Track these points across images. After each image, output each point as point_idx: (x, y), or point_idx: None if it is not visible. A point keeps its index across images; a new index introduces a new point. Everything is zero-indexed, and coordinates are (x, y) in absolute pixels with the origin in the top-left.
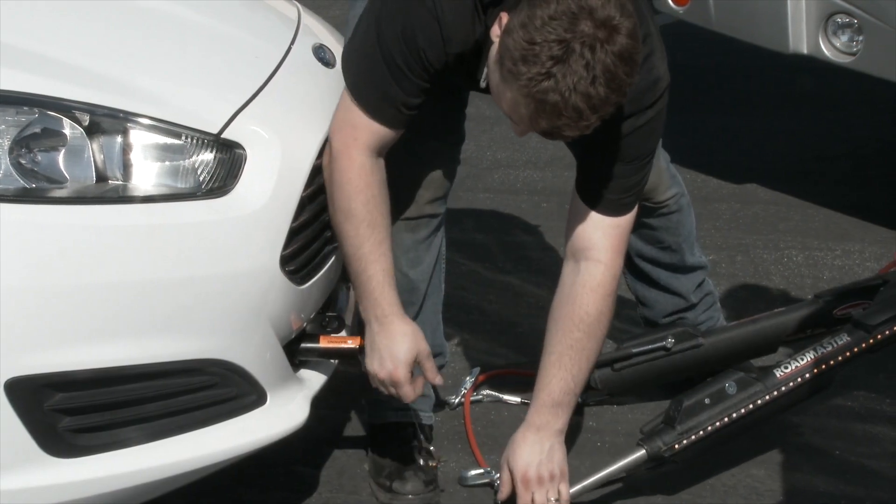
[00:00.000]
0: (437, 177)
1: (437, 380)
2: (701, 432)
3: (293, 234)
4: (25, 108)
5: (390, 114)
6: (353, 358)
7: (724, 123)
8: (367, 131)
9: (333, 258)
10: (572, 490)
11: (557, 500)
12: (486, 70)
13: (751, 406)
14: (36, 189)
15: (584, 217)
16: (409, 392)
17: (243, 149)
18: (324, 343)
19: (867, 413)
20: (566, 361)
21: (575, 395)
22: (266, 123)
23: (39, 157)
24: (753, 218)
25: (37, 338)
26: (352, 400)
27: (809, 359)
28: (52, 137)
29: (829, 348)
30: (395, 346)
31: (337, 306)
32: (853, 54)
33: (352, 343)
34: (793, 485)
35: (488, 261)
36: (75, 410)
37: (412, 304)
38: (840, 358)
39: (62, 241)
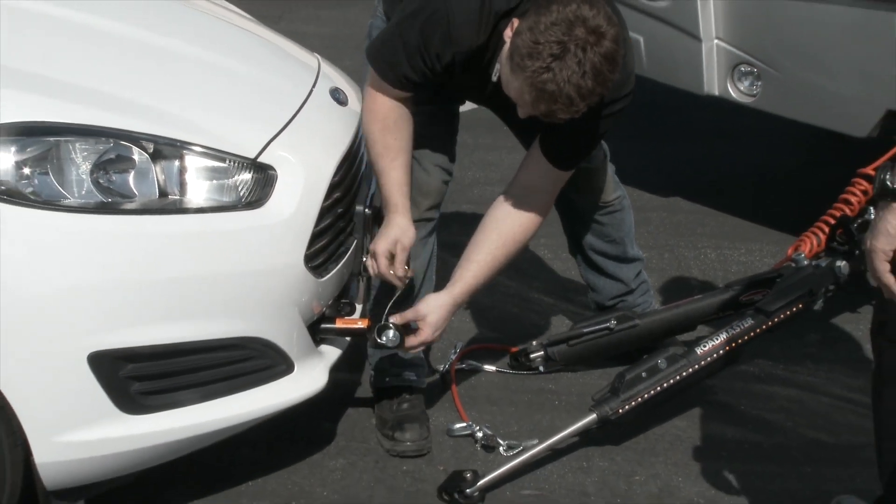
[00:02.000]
0: (434, 188)
1: (399, 271)
2: (639, 399)
3: (314, 237)
4: (103, 138)
5: (392, 78)
6: (363, 336)
7: (654, 149)
8: (381, 88)
9: (346, 256)
10: (539, 447)
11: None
12: (497, 66)
13: (678, 377)
14: (111, 203)
15: (539, 167)
16: (380, 266)
17: (275, 170)
18: (339, 324)
19: (765, 376)
20: (491, 264)
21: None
22: (293, 150)
23: (114, 178)
24: (677, 224)
25: (112, 321)
26: (361, 368)
27: (722, 339)
28: (123, 162)
29: (738, 329)
30: (385, 230)
31: (350, 295)
32: (754, 96)
33: (362, 324)
34: (707, 433)
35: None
36: (143, 377)
37: (409, 287)
38: (746, 337)
39: (132, 245)
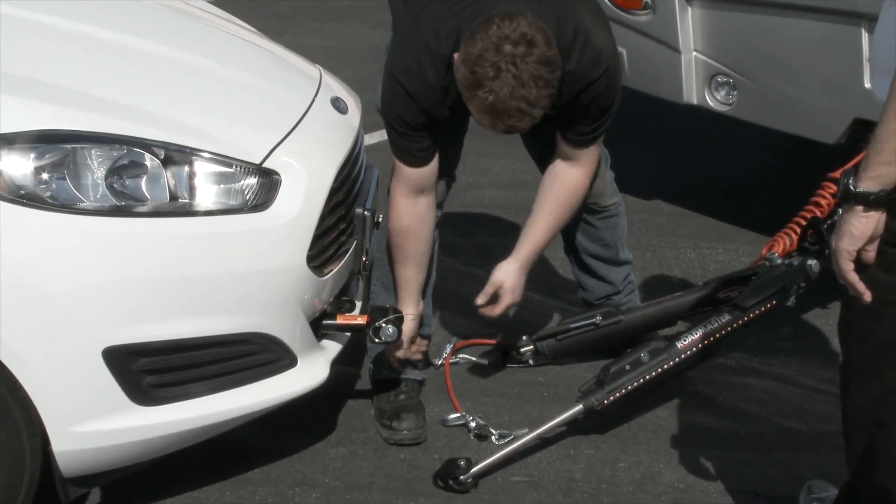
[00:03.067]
0: (440, 189)
1: (414, 351)
2: (623, 390)
3: (316, 238)
4: (117, 145)
5: (410, 159)
6: (362, 332)
7: (636, 154)
8: (404, 175)
9: (346, 257)
10: (529, 436)
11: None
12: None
13: (659, 370)
14: (125, 206)
15: (566, 147)
16: (408, 354)
17: (279, 175)
18: (340, 320)
19: (742, 368)
20: (546, 229)
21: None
22: (296, 156)
23: (127, 182)
24: (658, 225)
25: (126, 317)
26: (361, 362)
27: (701, 333)
28: (136, 167)
29: (716, 325)
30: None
31: (350, 292)
32: (730, 105)
33: (361, 320)
34: (687, 422)
35: (463, 257)
36: (155, 371)
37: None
38: (723, 332)
39: (144, 246)
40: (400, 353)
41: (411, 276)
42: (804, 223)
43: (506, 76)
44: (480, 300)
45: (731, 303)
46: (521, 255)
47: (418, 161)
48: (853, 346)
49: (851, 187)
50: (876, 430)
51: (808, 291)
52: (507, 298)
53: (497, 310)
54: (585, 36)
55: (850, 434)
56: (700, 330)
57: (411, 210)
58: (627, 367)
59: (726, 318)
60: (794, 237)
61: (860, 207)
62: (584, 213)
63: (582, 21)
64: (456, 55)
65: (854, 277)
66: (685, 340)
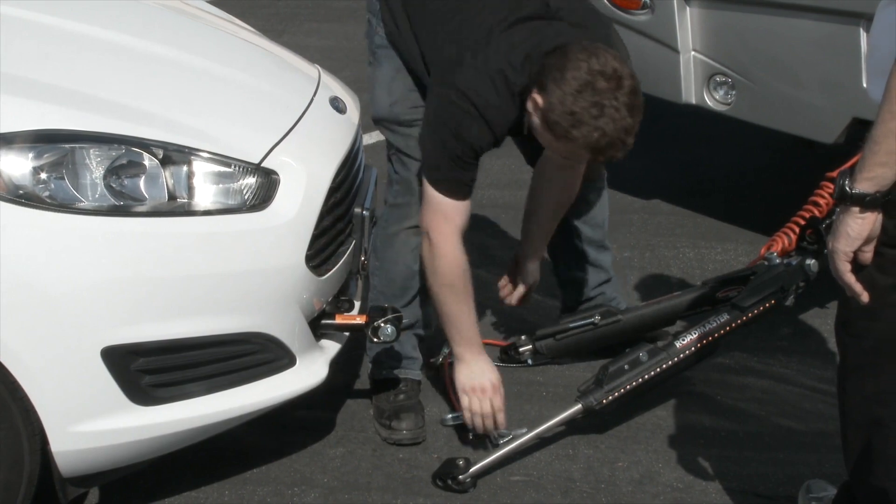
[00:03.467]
0: None
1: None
2: (622, 390)
3: (315, 238)
4: (115, 145)
5: (462, 191)
6: (361, 331)
7: (635, 154)
8: (455, 211)
9: (345, 257)
10: (528, 436)
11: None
12: (527, 124)
13: (658, 369)
14: (123, 206)
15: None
16: (502, 418)
17: (277, 175)
18: (339, 320)
19: (740, 368)
20: (554, 220)
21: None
22: (295, 156)
23: (126, 182)
24: (657, 225)
25: (124, 317)
26: (360, 362)
27: (699, 333)
28: (135, 167)
29: (714, 324)
30: (490, 373)
31: (348, 292)
32: (729, 104)
33: (359, 320)
34: (686, 421)
35: None
36: (153, 370)
37: (411, 289)
38: (722, 332)
39: (143, 245)
40: (513, 298)
41: (471, 307)
42: (803, 223)
43: (609, 111)
44: (515, 300)
45: (729, 302)
46: (538, 251)
47: (468, 192)
48: (850, 346)
49: (847, 188)
50: (873, 430)
51: (807, 291)
52: (533, 289)
53: (528, 301)
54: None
55: (848, 434)
56: (698, 330)
57: (462, 253)
58: (626, 366)
59: (725, 317)
60: (793, 237)
61: (856, 208)
62: (582, 187)
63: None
64: (537, 95)
65: (851, 278)
66: (684, 340)
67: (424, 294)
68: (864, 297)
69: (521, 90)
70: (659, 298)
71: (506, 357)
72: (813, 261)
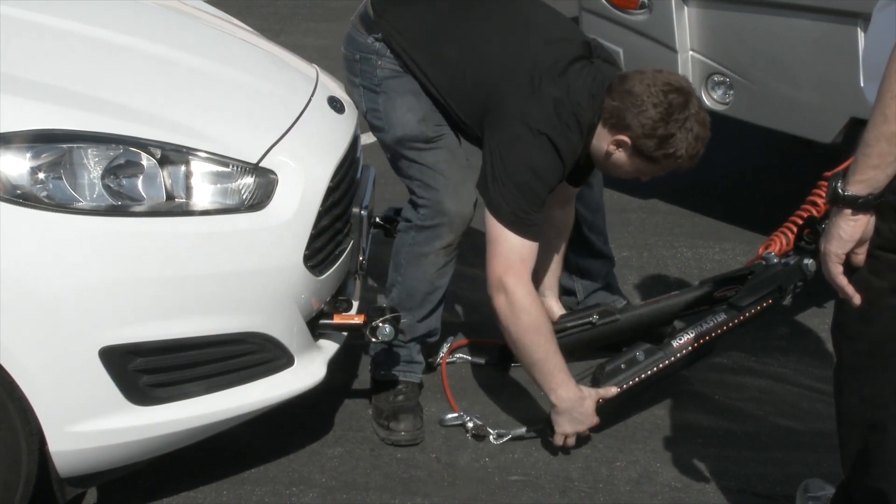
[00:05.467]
0: (469, 217)
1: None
2: (619, 388)
3: (313, 238)
4: (113, 144)
5: (535, 232)
6: (359, 331)
7: None
8: (532, 253)
9: (343, 257)
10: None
11: None
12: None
13: (655, 369)
14: (121, 206)
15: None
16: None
17: (276, 174)
18: (337, 320)
19: (738, 368)
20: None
21: None
22: (293, 155)
23: (123, 182)
24: (655, 225)
25: (122, 317)
26: (358, 362)
27: (697, 332)
28: (132, 167)
29: (711, 324)
30: (592, 416)
31: (347, 292)
32: (727, 104)
33: (358, 320)
34: (684, 421)
35: (461, 258)
36: (152, 370)
37: (430, 303)
38: (720, 331)
39: (141, 245)
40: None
41: (557, 346)
42: (801, 222)
43: (692, 117)
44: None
45: (727, 302)
46: (553, 288)
47: (539, 232)
48: (846, 349)
49: (840, 190)
50: (870, 432)
51: (805, 291)
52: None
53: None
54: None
55: (844, 435)
56: (696, 329)
57: (538, 300)
58: (623, 365)
59: (722, 317)
60: (791, 236)
61: (848, 211)
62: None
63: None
64: (619, 134)
65: (843, 280)
66: (681, 339)
67: (441, 308)
68: (857, 298)
69: (588, 128)
70: (657, 298)
71: (504, 357)
72: (811, 260)
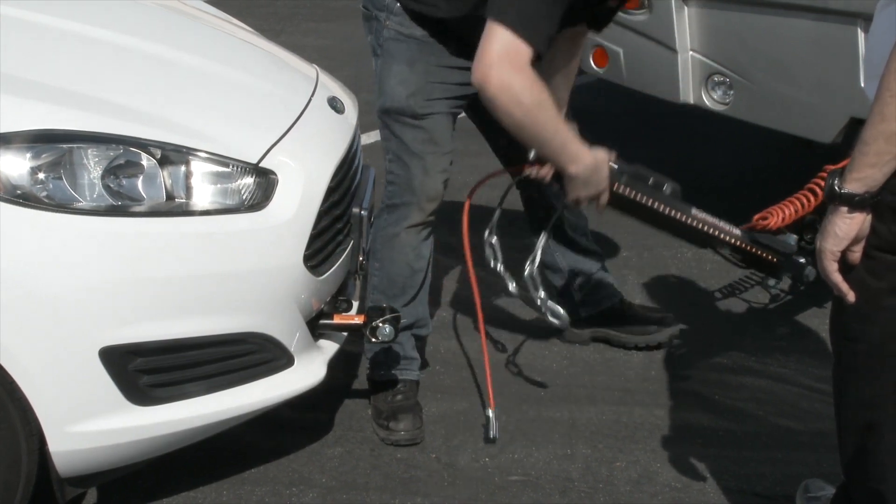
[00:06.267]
0: (440, 193)
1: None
2: (635, 193)
3: (313, 238)
4: (113, 145)
5: (541, 37)
6: (359, 331)
7: (633, 154)
8: (527, 54)
9: (343, 257)
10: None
11: None
12: None
13: (668, 210)
14: (121, 206)
15: (572, 45)
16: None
17: (276, 175)
18: (337, 320)
19: (738, 368)
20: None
21: None
22: (293, 155)
23: (124, 182)
24: None
25: (122, 318)
26: (358, 362)
27: (714, 221)
28: (133, 167)
29: (727, 228)
30: (603, 178)
31: (347, 292)
32: (726, 104)
33: (358, 320)
34: (684, 421)
35: (460, 257)
36: (152, 370)
37: (412, 288)
38: (726, 238)
39: (141, 245)
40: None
41: (562, 118)
42: (800, 206)
43: None
44: (549, 175)
45: (747, 227)
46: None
47: (545, 43)
48: (844, 349)
49: (836, 188)
50: (868, 433)
51: (805, 291)
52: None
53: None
54: None
55: (844, 435)
56: (716, 218)
57: (538, 79)
58: (651, 180)
59: (737, 231)
60: (790, 213)
61: (845, 208)
62: None
63: None
64: None
65: (838, 278)
66: (701, 213)
67: (425, 293)
68: (851, 296)
69: None
70: (713, 218)
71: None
72: (811, 269)
